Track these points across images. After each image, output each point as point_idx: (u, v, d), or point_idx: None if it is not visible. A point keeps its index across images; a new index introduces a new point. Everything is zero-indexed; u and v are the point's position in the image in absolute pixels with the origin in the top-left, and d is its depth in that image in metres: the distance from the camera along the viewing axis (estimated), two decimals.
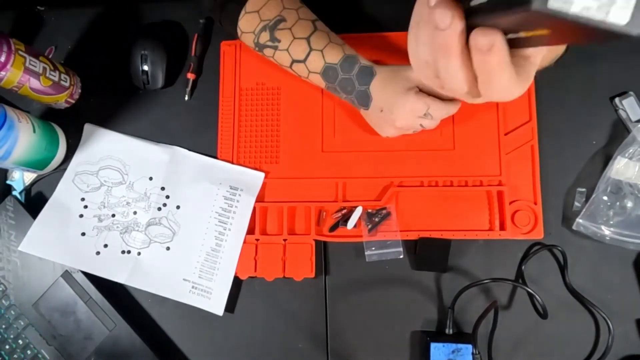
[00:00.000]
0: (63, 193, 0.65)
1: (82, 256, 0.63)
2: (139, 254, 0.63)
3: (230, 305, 0.62)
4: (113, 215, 0.65)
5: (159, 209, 0.64)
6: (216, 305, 0.60)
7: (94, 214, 0.65)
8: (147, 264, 0.62)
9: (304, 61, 0.54)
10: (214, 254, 0.62)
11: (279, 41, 0.54)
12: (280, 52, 0.55)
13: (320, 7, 0.67)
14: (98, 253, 0.63)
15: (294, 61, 0.55)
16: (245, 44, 0.59)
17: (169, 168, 0.65)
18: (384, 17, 0.66)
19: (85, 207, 0.65)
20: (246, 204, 0.62)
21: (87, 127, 0.68)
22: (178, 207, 0.64)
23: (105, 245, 0.63)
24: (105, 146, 0.67)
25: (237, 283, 0.62)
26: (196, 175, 0.65)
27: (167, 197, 0.65)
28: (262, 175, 0.63)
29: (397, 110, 0.51)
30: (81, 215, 0.65)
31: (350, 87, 0.54)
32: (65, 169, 0.66)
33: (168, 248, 0.63)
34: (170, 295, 0.61)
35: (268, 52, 0.56)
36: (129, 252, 0.63)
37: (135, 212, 0.64)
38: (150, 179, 0.65)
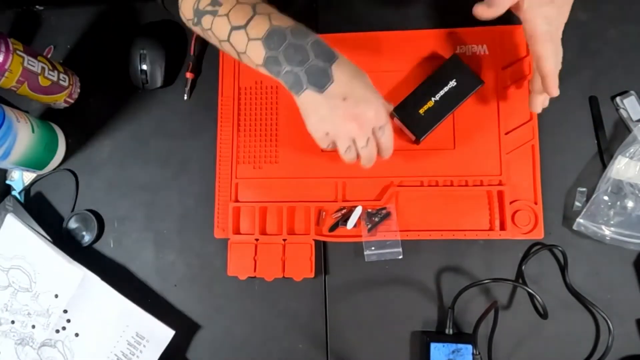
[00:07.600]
0: None
1: None
2: None
3: (230, 305, 0.62)
4: (12, 322, 0.61)
5: (57, 331, 0.60)
6: None
7: None
8: None
9: (244, 27, 0.46)
10: None
11: (220, 5, 0.47)
12: (220, 18, 0.47)
13: (318, 6, 0.67)
14: None
15: (232, 29, 0.47)
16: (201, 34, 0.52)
17: (77, 292, 0.60)
18: (377, 16, 0.65)
19: None
20: (148, 358, 0.59)
21: (9, 219, 0.63)
22: (77, 334, 0.60)
23: None
24: (22, 246, 0.62)
25: (236, 283, 0.62)
26: (104, 309, 0.60)
27: (68, 320, 0.60)
28: (171, 332, 0.60)
29: (364, 105, 0.47)
30: None
31: (300, 57, 0.45)
32: (65, 169, 0.66)
33: None
34: None
35: (206, 21, 0.48)
36: None
37: (33, 326, 0.60)
38: (56, 296, 0.60)
